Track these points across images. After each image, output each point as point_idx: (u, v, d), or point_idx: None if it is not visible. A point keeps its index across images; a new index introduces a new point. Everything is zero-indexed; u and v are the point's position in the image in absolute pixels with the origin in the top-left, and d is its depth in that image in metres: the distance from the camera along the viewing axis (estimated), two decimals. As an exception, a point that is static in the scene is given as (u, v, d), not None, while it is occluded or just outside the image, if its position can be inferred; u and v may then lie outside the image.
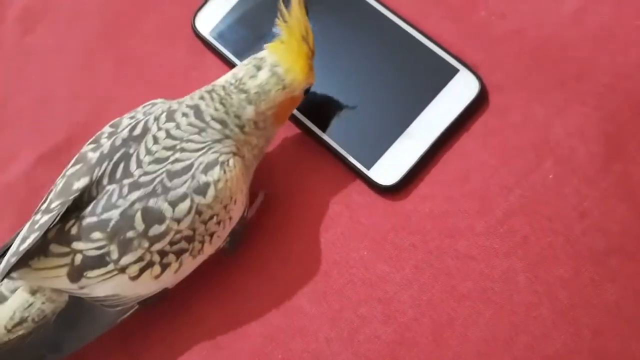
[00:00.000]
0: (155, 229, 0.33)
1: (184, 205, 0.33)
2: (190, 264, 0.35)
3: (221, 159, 0.34)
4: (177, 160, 0.34)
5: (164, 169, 0.34)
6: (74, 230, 0.33)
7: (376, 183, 0.38)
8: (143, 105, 0.37)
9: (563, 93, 0.38)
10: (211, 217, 0.34)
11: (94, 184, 0.34)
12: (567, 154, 0.36)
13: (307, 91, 0.37)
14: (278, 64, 0.35)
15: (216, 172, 0.34)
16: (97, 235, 0.33)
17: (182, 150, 0.34)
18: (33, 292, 0.35)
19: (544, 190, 0.36)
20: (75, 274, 0.33)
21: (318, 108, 0.40)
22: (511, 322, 0.34)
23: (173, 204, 0.33)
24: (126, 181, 0.33)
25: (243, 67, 0.36)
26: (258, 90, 0.35)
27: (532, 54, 0.39)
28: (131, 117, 0.36)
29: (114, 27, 0.47)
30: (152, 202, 0.33)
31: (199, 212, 0.33)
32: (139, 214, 0.33)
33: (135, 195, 0.33)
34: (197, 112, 0.35)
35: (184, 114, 0.35)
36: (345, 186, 0.39)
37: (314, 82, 0.37)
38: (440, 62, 0.39)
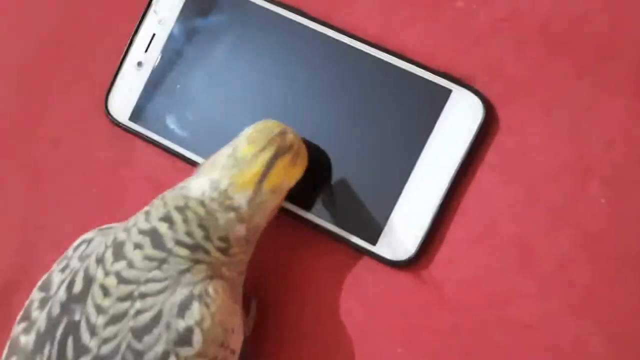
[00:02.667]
0: None
1: None
2: None
3: (196, 291, 0.27)
4: (139, 312, 0.26)
5: (127, 329, 0.26)
6: None
7: (387, 259, 0.30)
8: (73, 246, 0.29)
9: (588, 85, 0.29)
10: None
11: None
12: (616, 167, 0.28)
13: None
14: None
15: (196, 310, 0.26)
16: None
17: (143, 296, 0.27)
18: None
19: (599, 221, 0.28)
20: None
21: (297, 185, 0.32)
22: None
23: None
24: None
25: (223, 172, 0.28)
26: (252, 205, 0.28)
27: (534, 43, 0.30)
28: (62, 269, 0.28)
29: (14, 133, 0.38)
30: None
31: None
32: None
33: None
34: (155, 238, 0.27)
35: (137, 245, 0.27)
36: (353, 269, 0.31)
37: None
38: (425, 86, 0.30)
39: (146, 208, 0.29)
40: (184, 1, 0.34)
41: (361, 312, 0.31)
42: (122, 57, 0.35)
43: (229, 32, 0.33)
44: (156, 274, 0.27)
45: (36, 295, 0.28)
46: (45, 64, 0.38)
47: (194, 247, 0.27)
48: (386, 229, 0.30)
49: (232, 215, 0.28)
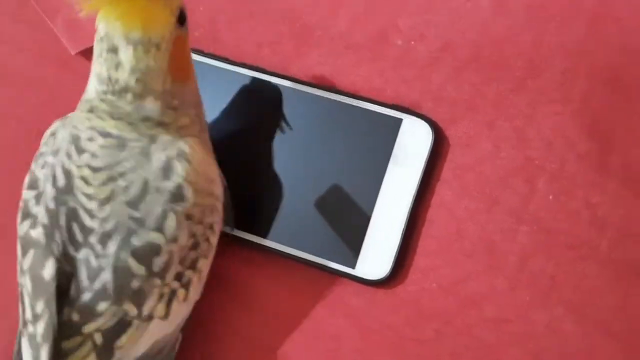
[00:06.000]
0: (158, 262, 0.29)
1: (171, 222, 0.29)
2: (208, 264, 0.32)
3: (172, 153, 0.29)
4: (127, 187, 0.28)
5: (121, 204, 0.28)
6: (75, 317, 0.28)
7: (367, 280, 0.33)
8: (43, 141, 0.31)
9: (524, 97, 0.33)
10: (203, 212, 0.30)
11: (63, 261, 0.28)
12: (558, 166, 0.32)
13: (182, 20, 0.30)
14: (130, 30, 0.28)
15: (179, 169, 0.29)
16: (102, 306, 0.28)
17: (122, 175, 0.29)
18: None
19: (550, 216, 0.31)
20: (105, 352, 0.29)
21: (269, 221, 0.34)
22: (579, 376, 0.30)
23: (159, 228, 0.28)
24: (92, 238, 0.28)
25: (100, 61, 0.29)
26: (138, 77, 0.28)
27: (469, 67, 0.33)
28: (42, 166, 0.30)
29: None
30: (136, 241, 0.28)
31: (189, 217, 0.29)
32: (131, 261, 0.28)
33: (111, 247, 0.28)
34: (101, 132, 0.29)
35: (90, 139, 0.29)
36: (338, 294, 0.33)
37: (182, 3, 0.30)
38: (378, 118, 0.33)
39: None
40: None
41: (350, 332, 0.33)
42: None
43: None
44: (122, 155, 0.29)
45: (29, 194, 0.30)
46: (27, 144, 0.39)
47: (132, 125, 0.29)
48: (362, 252, 0.33)
49: (128, 96, 0.29)
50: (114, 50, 0.28)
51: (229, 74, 0.36)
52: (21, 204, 0.30)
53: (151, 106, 0.29)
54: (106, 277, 0.28)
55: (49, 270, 0.28)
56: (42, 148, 0.31)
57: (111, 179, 0.29)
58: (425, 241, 0.33)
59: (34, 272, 0.29)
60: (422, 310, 0.32)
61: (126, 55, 0.28)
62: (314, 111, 0.35)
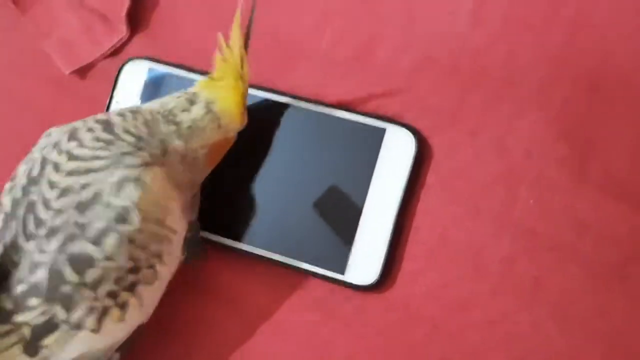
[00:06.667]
0: (91, 274, 0.29)
1: (111, 240, 0.29)
2: (152, 292, 0.31)
3: (133, 173, 0.29)
4: (83, 187, 0.29)
5: (72, 203, 0.29)
6: (8, 304, 0.29)
7: (356, 285, 0.33)
8: (39, 142, 0.32)
9: (504, 106, 0.34)
10: (148, 240, 0.30)
11: (11, 250, 0.29)
12: (538, 172, 0.32)
13: (238, 135, 0.34)
14: (214, 101, 0.32)
15: (131, 191, 0.29)
16: (33, 301, 0.29)
17: (88, 171, 0.29)
18: None
19: (532, 220, 0.32)
20: (32, 347, 0.29)
21: (258, 229, 0.35)
22: (564, 375, 0.31)
23: (97, 242, 0.29)
24: (41, 231, 0.29)
25: (173, 99, 0.33)
26: (191, 125, 0.32)
27: (450, 79, 0.34)
28: (26, 161, 0.31)
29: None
30: (74, 248, 0.29)
31: (131, 240, 0.29)
32: (66, 266, 0.29)
33: (53, 244, 0.29)
34: (107, 125, 0.31)
35: (90, 129, 0.30)
36: (323, 297, 0.34)
37: (246, 124, 0.34)
38: (362, 128, 0.34)
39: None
40: (141, 90, 0.38)
41: (341, 337, 0.34)
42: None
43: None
44: (101, 152, 0.30)
45: (6, 185, 0.32)
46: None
47: (137, 138, 0.31)
48: (351, 258, 0.34)
49: (172, 127, 0.32)
50: (192, 102, 0.32)
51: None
52: None
53: (179, 145, 0.32)
54: (42, 274, 0.29)
55: None
56: (33, 149, 0.32)
57: (77, 172, 0.30)
58: (412, 247, 0.34)
59: None
60: (411, 315, 0.33)
61: (198, 110, 0.32)
62: (299, 123, 0.36)
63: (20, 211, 0.30)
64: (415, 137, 0.34)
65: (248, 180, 0.36)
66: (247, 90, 0.33)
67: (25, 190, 0.30)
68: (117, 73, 0.39)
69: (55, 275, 0.29)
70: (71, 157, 0.30)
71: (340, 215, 0.34)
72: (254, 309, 0.35)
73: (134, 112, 0.32)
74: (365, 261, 0.34)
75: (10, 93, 0.42)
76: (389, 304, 0.34)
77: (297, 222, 0.35)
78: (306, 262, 0.34)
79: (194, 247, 0.33)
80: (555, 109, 0.33)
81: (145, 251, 0.30)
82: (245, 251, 0.35)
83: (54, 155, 0.30)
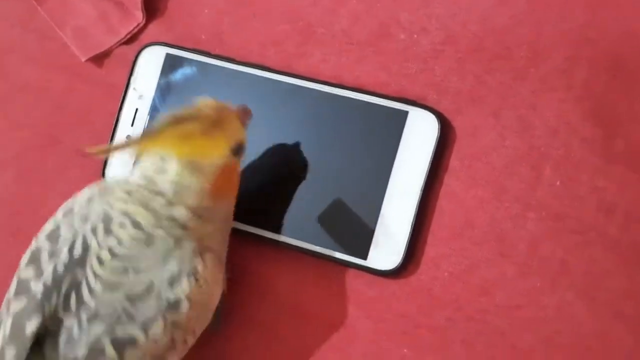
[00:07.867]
0: (131, 355, 0.30)
1: (157, 327, 0.30)
2: (177, 356, 0.32)
3: (185, 268, 0.30)
4: (134, 284, 0.30)
5: (122, 295, 0.30)
6: None
7: (379, 270, 0.33)
8: (78, 200, 0.32)
9: (527, 86, 0.33)
10: (191, 323, 0.31)
11: (50, 321, 0.29)
12: (563, 152, 0.32)
13: (237, 151, 0.32)
14: (183, 155, 0.30)
15: (184, 285, 0.30)
16: None
17: (136, 271, 0.30)
18: None
19: (558, 202, 0.32)
20: None
21: (281, 216, 0.35)
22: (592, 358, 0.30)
23: (145, 329, 0.30)
24: (84, 314, 0.29)
25: (148, 158, 0.31)
26: (176, 189, 0.30)
27: (472, 57, 0.34)
28: (69, 226, 0.31)
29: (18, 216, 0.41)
30: (120, 331, 0.29)
31: (176, 325, 0.30)
32: (109, 347, 0.29)
33: (98, 327, 0.29)
34: (133, 221, 0.30)
35: (121, 225, 0.30)
36: (351, 285, 0.34)
37: (242, 138, 0.32)
38: (385, 112, 0.34)
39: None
40: (159, 75, 0.38)
41: (365, 322, 0.34)
42: (111, 133, 0.38)
43: (203, 94, 0.37)
44: (147, 253, 0.30)
45: (44, 244, 0.31)
46: (41, 149, 0.41)
47: (163, 227, 0.30)
48: (373, 243, 0.33)
49: (161, 200, 0.30)
50: (162, 158, 0.30)
51: (235, 74, 0.37)
52: (34, 244, 0.32)
53: (180, 213, 0.30)
54: (81, 351, 0.29)
55: (31, 326, 0.29)
56: (75, 207, 0.32)
57: (125, 271, 0.30)
58: (435, 231, 0.33)
59: (18, 320, 0.30)
60: (434, 299, 0.33)
61: (172, 168, 0.30)
62: (321, 107, 0.35)
63: (63, 289, 0.30)
64: (438, 119, 0.33)
65: (269, 167, 0.36)
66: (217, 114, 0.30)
67: (68, 268, 0.30)
68: (134, 59, 0.39)
69: (95, 354, 0.29)
70: (114, 255, 0.30)
71: (363, 200, 0.34)
72: (276, 295, 0.35)
73: (131, 193, 0.30)
74: (387, 246, 0.33)
75: (28, 81, 0.42)
76: (411, 288, 0.33)
77: (319, 208, 0.34)
78: (328, 248, 0.34)
79: (217, 313, 0.33)
80: (579, 88, 0.32)
81: (185, 331, 0.31)
82: (268, 238, 0.35)
83: (94, 245, 0.30)
